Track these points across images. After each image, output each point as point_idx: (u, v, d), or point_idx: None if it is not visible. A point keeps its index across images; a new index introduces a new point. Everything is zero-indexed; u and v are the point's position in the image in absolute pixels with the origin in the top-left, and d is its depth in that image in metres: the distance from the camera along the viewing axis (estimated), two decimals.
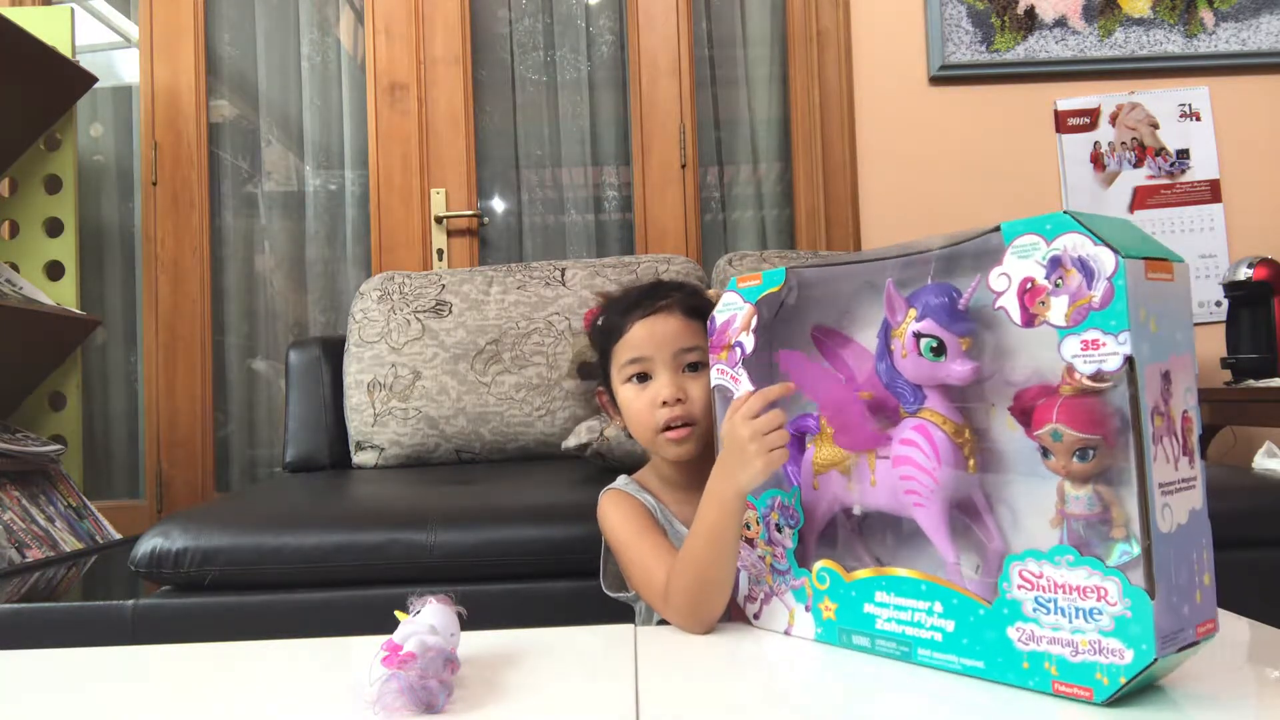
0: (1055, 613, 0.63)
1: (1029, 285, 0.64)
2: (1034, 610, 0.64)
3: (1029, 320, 0.64)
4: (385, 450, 1.82)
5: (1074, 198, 2.29)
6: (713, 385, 0.85)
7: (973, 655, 0.67)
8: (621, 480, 1.01)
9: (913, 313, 0.71)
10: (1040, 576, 0.64)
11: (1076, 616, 0.62)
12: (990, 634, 0.66)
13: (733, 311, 0.84)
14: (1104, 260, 0.59)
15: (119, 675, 0.81)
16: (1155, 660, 0.58)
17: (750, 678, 0.75)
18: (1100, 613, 0.60)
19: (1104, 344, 0.59)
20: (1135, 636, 0.59)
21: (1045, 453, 0.64)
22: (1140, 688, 0.61)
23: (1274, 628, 0.78)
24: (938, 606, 0.70)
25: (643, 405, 0.95)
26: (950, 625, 0.69)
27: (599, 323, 1.02)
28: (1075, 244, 0.61)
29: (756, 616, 0.84)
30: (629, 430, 0.99)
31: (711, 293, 1.39)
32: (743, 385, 0.82)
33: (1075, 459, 0.62)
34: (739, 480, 0.78)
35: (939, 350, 0.69)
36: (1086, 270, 0.60)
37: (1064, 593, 0.62)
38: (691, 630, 0.83)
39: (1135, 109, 2.31)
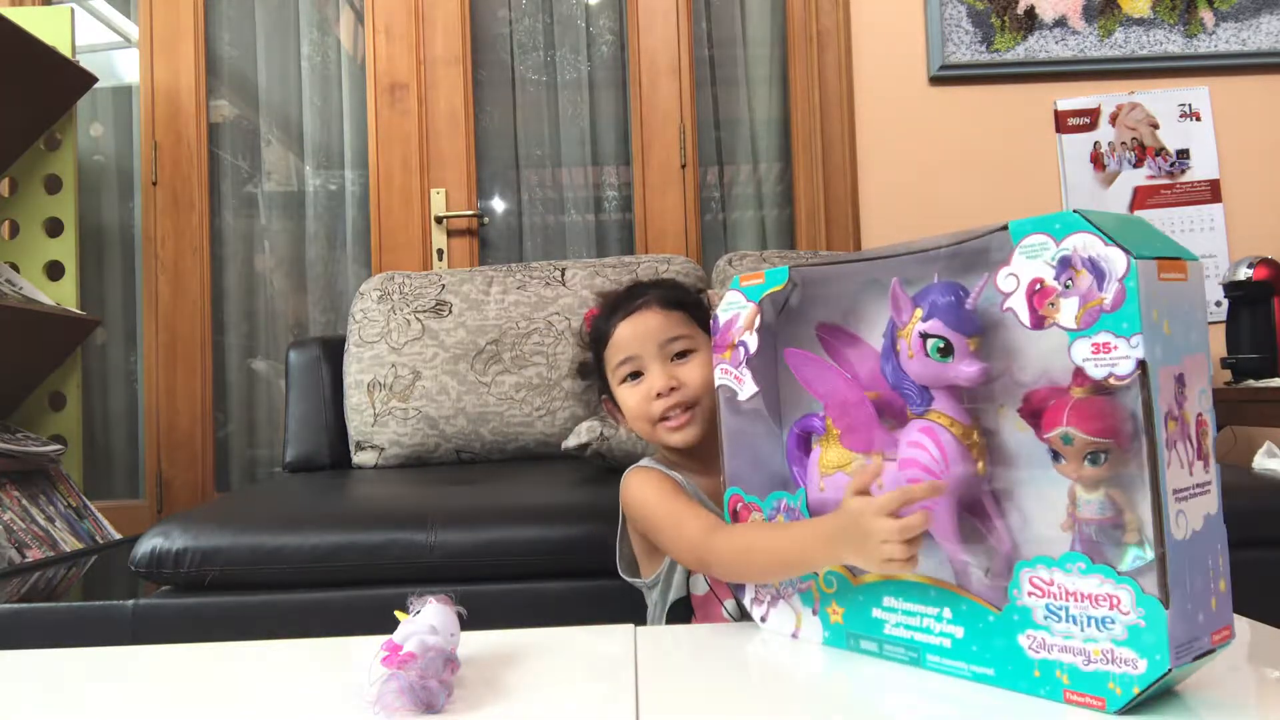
0: (1067, 621, 0.62)
1: (1038, 286, 0.62)
2: (1045, 618, 0.63)
3: (1038, 322, 0.62)
4: (385, 450, 1.82)
5: (1074, 198, 2.29)
6: (716, 385, 0.85)
7: (982, 662, 0.67)
8: (647, 460, 1.02)
9: (919, 312, 0.69)
10: (1051, 584, 0.62)
11: (1089, 625, 0.60)
12: (1000, 641, 0.65)
13: (735, 310, 0.83)
14: (1115, 261, 0.58)
15: (119, 675, 0.80)
16: (1170, 670, 0.57)
17: (751, 679, 0.74)
18: (1113, 621, 0.59)
19: (1116, 347, 0.58)
20: (1149, 646, 0.58)
21: (1056, 456, 0.63)
22: (1153, 696, 0.60)
23: (1274, 628, 0.78)
24: (946, 612, 0.69)
25: (639, 401, 0.98)
26: (960, 631, 0.68)
27: (588, 333, 1.05)
28: (1085, 244, 0.60)
29: (763, 619, 0.84)
30: (633, 429, 1.01)
31: (712, 294, 1.40)
32: (746, 385, 0.82)
33: (1087, 463, 0.61)
34: (840, 557, 0.74)
35: (946, 351, 0.67)
36: (1097, 271, 0.59)
37: (1075, 600, 0.61)
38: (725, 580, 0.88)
39: (1135, 109, 2.31)
